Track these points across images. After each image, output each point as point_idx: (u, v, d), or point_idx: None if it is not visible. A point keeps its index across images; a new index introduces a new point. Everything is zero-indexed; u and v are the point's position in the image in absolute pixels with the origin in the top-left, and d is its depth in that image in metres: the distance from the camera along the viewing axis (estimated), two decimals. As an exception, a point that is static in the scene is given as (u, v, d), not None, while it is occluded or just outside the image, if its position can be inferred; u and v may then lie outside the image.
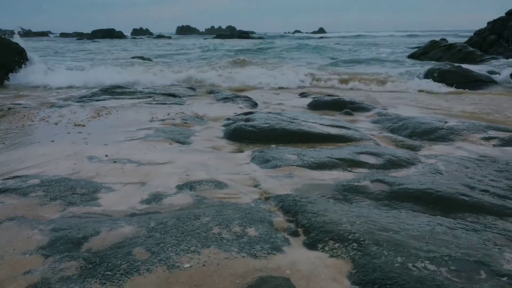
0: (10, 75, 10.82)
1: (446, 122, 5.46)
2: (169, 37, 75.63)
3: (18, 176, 3.33)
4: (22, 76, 10.89)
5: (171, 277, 1.89)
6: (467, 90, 9.93)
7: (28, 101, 8.10)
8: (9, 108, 7.04)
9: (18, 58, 11.30)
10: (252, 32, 71.22)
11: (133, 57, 20.25)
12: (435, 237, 2.27)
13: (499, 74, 11.33)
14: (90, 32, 66.21)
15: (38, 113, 6.57)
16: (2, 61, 10.71)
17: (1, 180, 3.25)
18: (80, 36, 64.78)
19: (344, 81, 11.60)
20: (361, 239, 2.23)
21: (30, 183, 3.15)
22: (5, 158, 3.95)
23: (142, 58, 20.07)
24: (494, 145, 4.57)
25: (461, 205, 2.79)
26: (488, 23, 19.85)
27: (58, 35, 76.71)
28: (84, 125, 5.55)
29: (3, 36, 11.62)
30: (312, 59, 20.02)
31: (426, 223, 2.47)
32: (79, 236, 2.30)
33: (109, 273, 1.92)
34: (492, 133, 5.01)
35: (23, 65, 11.15)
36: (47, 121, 5.87)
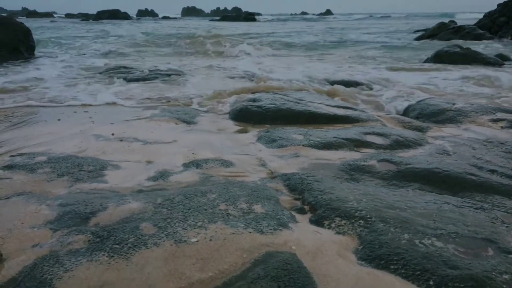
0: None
1: (454, 104, 5.40)
2: (175, 18, 75.12)
3: (25, 153, 3.34)
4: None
5: (178, 251, 1.90)
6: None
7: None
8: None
9: (24, 38, 11.26)
10: (259, 14, 70.46)
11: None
12: (442, 215, 2.26)
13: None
14: (95, 13, 65.77)
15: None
16: (7, 41, 10.67)
17: (9, 157, 3.26)
18: (85, 17, 64.37)
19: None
20: (368, 216, 2.23)
21: (37, 160, 3.16)
22: (12, 136, 3.96)
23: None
24: (502, 127, 4.52)
25: (469, 184, 2.77)
26: (498, 5, 19.48)
27: (63, 15, 76.22)
28: (90, 104, 5.54)
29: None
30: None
31: (433, 202, 2.46)
32: (86, 211, 2.32)
33: (117, 246, 1.94)
34: (500, 115, 4.96)
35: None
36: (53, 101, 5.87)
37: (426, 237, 2.01)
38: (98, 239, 2.01)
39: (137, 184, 2.82)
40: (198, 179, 2.89)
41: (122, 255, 1.87)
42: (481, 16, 21.00)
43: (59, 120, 4.64)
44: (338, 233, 2.14)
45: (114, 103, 5.69)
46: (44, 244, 1.99)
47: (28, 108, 5.35)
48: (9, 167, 3.02)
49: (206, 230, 2.09)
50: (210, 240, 1.99)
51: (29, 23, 13.01)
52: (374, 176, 2.98)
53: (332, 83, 7.39)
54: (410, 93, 6.53)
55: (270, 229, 2.12)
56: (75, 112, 5.09)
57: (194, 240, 1.99)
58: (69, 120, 4.62)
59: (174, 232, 2.06)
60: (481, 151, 3.58)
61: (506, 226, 2.17)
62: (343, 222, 2.22)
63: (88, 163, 3.15)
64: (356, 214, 2.26)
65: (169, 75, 8.44)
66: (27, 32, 11.49)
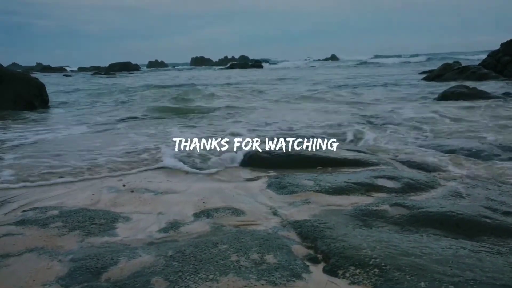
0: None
1: (464, 145, 5.40)
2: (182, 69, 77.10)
3: (37, 208, 3.37)
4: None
5: (190, 306, 1.87)
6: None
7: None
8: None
9: (37, 93, 11.61)
10: (266, 61, 72.12)
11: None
12: (458, 260, 2.21)
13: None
14: (107, 65, 67.74)
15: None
16: (21, 94, 10.98)
17: (21, 212, 3.29)
18: (97, 70, 66.18)
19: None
20: (383, 264, 2.18)
21: (49, 214, 3.18)
22: (25, 190, 4.00)
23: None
24: (514, 166, 4.48)
25: (484, 227, 2.72)
26: (501, 44, 19.76)
27: (76, 69, 78.55)
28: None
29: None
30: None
31: (449, 247, 2.41)
32: (97, 266, 2.30)
33: (128, 303, 1.91)
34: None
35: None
36: (66, 153, 5.96)
37: (444, 285, 1.96)
38: (109, 295, 1.99)
39: (148, 236, 2.81)
40: (209, 229, 2.88)
41: (133, 311, 1.84)
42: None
43: (70, 173, 4.70)
44: (353, 283, 2.09)
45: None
46: (55, 301, 1.97)
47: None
48: (21, 222, 3.03)
49: (218, 283, 2.06)
50: (222, 293, 1.96)
51: (42, 78, 13.41)
52: (387, 221, 2.94)
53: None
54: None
55: (283, 280, 2.08)
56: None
57: (206, 294, 1.96)
58: (80, 172, 4.68)
59: (186, 286, 2.03)
60: (495, 192, 3.54)
61: (526, 271, 2.10)
62: (358, 271, 2.17)
63: (99, 216, 3.16)
64: (371, 262, 2.22)
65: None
66: (41, 87, 11.86)
